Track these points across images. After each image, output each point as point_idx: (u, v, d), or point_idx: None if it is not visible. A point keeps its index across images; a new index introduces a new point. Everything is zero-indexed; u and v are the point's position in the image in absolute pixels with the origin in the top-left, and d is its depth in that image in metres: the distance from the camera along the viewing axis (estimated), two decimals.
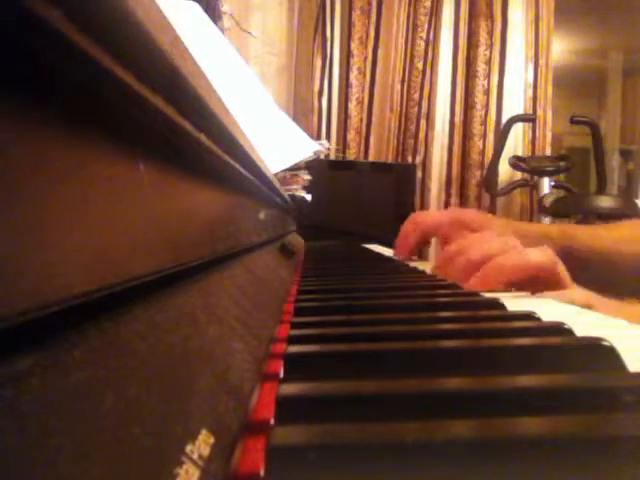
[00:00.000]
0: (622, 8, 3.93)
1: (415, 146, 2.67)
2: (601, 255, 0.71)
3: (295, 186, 1.31)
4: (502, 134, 2.55)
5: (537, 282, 0.49)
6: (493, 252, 0.51)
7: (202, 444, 0.14)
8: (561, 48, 4.24)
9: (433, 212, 0.88)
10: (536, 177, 2.54)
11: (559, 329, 0.30)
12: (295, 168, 1.28)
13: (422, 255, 2.25)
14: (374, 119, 2.67)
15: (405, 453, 0.16)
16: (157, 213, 0.20)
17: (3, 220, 0.10)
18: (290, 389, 0.21)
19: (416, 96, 2.67)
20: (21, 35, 0.10)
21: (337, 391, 0.21)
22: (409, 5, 2.67)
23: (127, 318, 0.16)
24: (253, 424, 0.19)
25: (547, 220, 2.42)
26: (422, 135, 2.67)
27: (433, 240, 0.91)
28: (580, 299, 0.46)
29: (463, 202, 2.66)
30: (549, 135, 2.75)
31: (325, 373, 0.24)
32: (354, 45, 2.67)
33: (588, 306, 0.46)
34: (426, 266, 0.72)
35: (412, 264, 0.75)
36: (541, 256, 0.49)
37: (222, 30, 1.48)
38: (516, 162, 2.52)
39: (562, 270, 0.50)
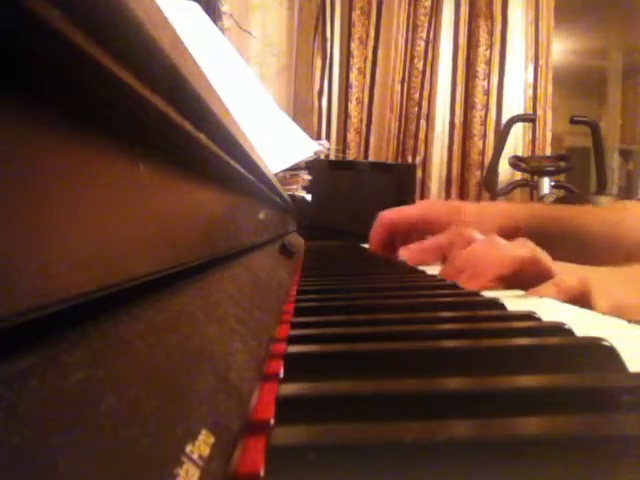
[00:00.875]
0: (622, 8, 3.93)
1: (415, 146, 2.67)
2: (588, 235, 0.71)
3: (295, 186, 1.31)
4: (502, 134, 2.55)
5: (523, 276, 0.50)
6: (475, 253, 0.52)
7: (202, 444, 0.14)
8: (561, 48, 4.24)
9: (399, 210, 0.86)
10: (536, 177, 2.54)
11: (559, 329, 0.30)
12: (295, 168, 1.28)
13: None
14: (374, 119, 2.67)
15: (405, 453, 0.16)
16: (157, 213, 0.20)
17: (3, 220, 0.10)
18: (290, 389, 0.21)
19: (416, 96, 2.68)
20: (21, 35, 0.10)
21: (337, 391, 0.21)
22: (409, 5, 2.67)
23: (127, 318, 0.16)
24: (253, 424, 0.19)
25: None
26: (422, 135, 2.67)
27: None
28: (574, 284, 0.46)
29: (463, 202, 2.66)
30: (549, 135, 2.75)
31: (325, 373, 0.24)
32: (354, 45, 2.67)
33: (585, 289, 0.46)
34: (426, 267, 0.72)
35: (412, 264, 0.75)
36: (523, 249, 0.50)
37: (222, 30, 1.48)
38: (516, 162, 2.52)
39: (544, 258, 0.51)
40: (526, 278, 0.50)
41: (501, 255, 0.50)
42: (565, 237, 0.70)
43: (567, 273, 0.49)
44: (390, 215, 0.81)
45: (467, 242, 0.56)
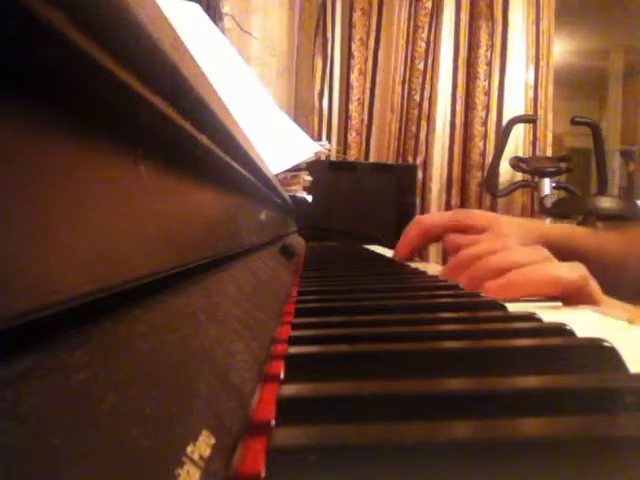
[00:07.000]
0: (623, 9, 3.94)
1: (416, 147, 2.67)
2: (622, 261, 0.67)
3: (296, 187, 1.31)
4: (503, 135, 2.55)
5: (565, 298, 0.46)
6: (520, 261, 0.48)
7: (203, 445, 0.14)
8: (562, 49, 4.24)
9: (436, 214, 0.82)
10: (537, 178, 2.54)
11: (560, 330, 0.30)
12: (296, 169, 1.28)
13: (423, 256, 2.25)
14: (375, 120, 2.68)
15: (406, 454, 0.16)
16: (158, 214, 0.20)
17: (3, 220, 0.10)
18: (291, 390, 0.21)
19: (417, 97, 2.68)
20: (21, 35, 0.10)
21: (338, 392, 0.21)
22: (410, 6, 2.67)
23: (128, 319, 0.16)
24: (254, 425, 0.19)
25: (548, 221, 2.42)
26: (423, 136, 2.67)
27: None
28: (619, 314, 0.41)
29: (464, 203, 2.66)
30: (550, 136, 2.75)
31: (326, 374, 0.24)
32: (355, 46, 2.67)
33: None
34: (427, 267, 0.72)
35: (413, 265, 0.75)
36: (573, 273, 0.46)
37: (223, 31, 1.49)
38: (517, 163, 2.52)
39: (593, 288, 0.47)
40: (568, 300, 0.46)
41: (546, 273, 0.45)
42: (593, 260, 0.64)
43: (614, 308, 0.45)
44: (428, 219, 0.78)
45: (479, 240, 0.52)
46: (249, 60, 1.94)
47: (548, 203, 2.42)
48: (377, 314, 0.38)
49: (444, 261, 2.42)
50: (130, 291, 0.16)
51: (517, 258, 0.49)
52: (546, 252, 0.49)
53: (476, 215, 0.75)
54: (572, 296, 0.46)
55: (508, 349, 0.27)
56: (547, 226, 0.78)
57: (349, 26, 2.67)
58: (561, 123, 3.62)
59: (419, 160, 2.65)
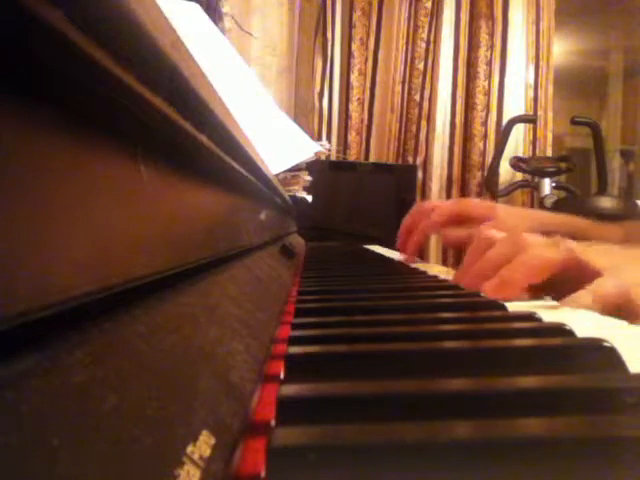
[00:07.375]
0: (623, 9, 3.94)
1: (416, 147, 2.67)
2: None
3: (296, 187, 1.31)
4: (503, 135, 2.55)
5: (561, 279, 0.44)
6: (507, 254, 0.46)
7: (203, 445, 0.14)
8: (562, 49, 4.24)
9: (435, 205, 0.79)
10: (537, 178, 2.54)
11: (560, 330, 0.30)
12: (296, 169, 1.28)
13: (423, 256, 2.24)
14: (375, 120, 2.67)
15: (405, 454, 0.16)
16: (158, 214, 0.20)
17: (3, 220, 0.10)
18: (291, 390, 0.21)
19: (417, 97, 2.67)
20: (21, 35, 0.10)
21: (338, 392, 0.21)
22: (410, 6, 2.67)
23: (128, 319, 0.16)
24: (254, 425, 0.19)
25: None
26: (423, 136, 2.67)
27: (433, 239, 0.89)
28: (613, 291, 0.41)
29: None
30: (550, 136, 2.75)
31: (326, 374, 0.24)
32: (355, 46, 2.67)
33: (627, 299, 0.41)
34: (427, 267, 0.72)
35: (413, 265, 0.75)
36: (559, 251, 0.44)
37: (223, 31, 1.49)
38: (517, 163, 2.52)
39: (583, 256, 0.45)
40: (563, 281, 0.44)
41: (536, 260, 0.44)
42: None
43: (607, 276, 0.43)
44: (429, 205, 0.81)
45: (488, 244, 0.49)
46: (249, 60, 1.94)
47: (548, 203, 2.41)
48: (377, 314, 0.38)
49: (444, 261, 2.42)
50: (130, 291, 0.16)
51: (501, 251, 0.47)
52: (526, 238, 0.47)
53: (476, 204, 0.75)
54: (567, 274, 0.44)
55: (508, 349, 0.27)
56: (547, 216, 0.78)
57: (349, 26, 2.66)
58: (561, 123, 3.61)
59: (419, 160, 2.65)
